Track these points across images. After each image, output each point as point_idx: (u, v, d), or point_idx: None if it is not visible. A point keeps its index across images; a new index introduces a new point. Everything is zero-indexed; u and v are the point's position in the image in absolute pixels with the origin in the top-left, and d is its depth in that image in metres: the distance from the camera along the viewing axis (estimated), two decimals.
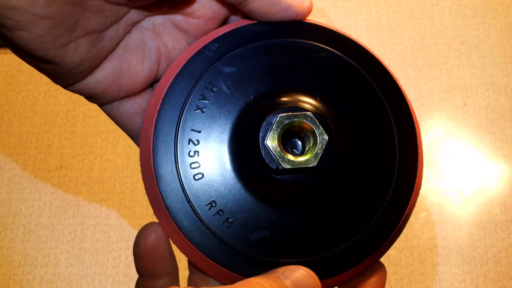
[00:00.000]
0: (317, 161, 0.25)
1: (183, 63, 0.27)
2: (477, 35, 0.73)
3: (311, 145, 0.25)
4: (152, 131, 0.26)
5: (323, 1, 0.75)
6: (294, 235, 0.26)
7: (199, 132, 0.27)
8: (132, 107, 0.29)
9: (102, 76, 0.27)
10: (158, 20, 0.29)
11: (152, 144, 0.26)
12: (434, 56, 0.72)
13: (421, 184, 0.28)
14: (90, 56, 0.26)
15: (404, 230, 0.64)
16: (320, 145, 0.25)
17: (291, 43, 0.27)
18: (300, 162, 0.25)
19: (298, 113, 0.25)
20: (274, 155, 0.25)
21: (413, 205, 0.28)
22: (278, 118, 0.25)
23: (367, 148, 0.27)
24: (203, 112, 0.27)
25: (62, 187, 0.70)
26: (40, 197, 0.69)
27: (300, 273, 0.24)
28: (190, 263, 0.29)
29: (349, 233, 0.26)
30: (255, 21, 0.28)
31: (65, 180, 0.70)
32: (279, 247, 0.26)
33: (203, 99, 0.27)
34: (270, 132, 0.25)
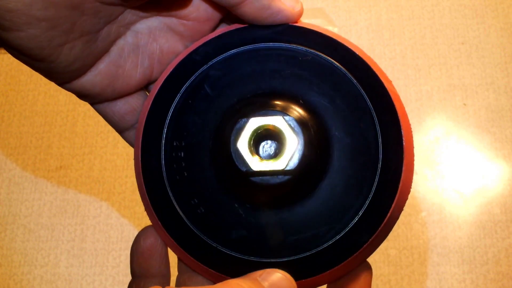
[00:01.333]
0: (286, 164, 0.25)
1: (172, 68, 0.28)
2: (477, 35, 0.73)
3: (284, 149, 0.26)
4: (142, 131, 0.27)
5: (323, 1, 0.75)
6: (272, 235, 0.27)
7: (185, 133, 0.27)
8: (124, 107, 0.30)
9: (97, 79, 0.28)
10: (153, 23, 0.29)
11: (141, 143, 0.27)
12: (434, 56, 0.72)
13: (410, 185, 0.27)
14: (84, 56, 0.26)
15: (404, 230, 0.64)
16: (290, 149, 0.25)
17: (278, 47, 0.28)
18: (269, 165, 0.25)
19: (269, 116, 0.26)
20: (244, 158, 0.25)
21: (399, 207, 0.27)
22: (249, 122, 0.25)
23: (351, 150, 0.27)
24: (190, 114, 0.28)
25: (62, 187, 0.70)
26: (40, 197, 0.69)
27: (277, 276, 0.25)
28: (179, 259, 0.29)
29: (328, 234, 0.27)
30: (245, 25, 0.28)
31: (65, 180, 0.70)
32: (257, 247, 0.27)
33: (191, 101, 0.27)
34: (240, 135, 0.25)
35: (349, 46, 0.28)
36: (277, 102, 0.27)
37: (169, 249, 0.29)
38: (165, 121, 0.28)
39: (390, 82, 0.28)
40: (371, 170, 0.27)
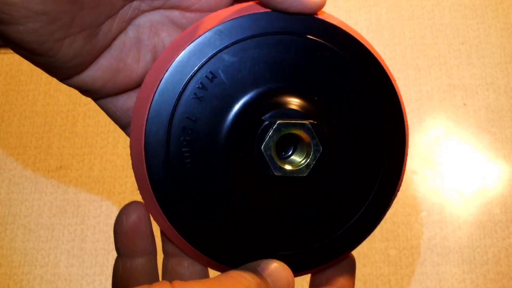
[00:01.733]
0: (308, 171, 0.25)
1: (187, 45, 0.26)
2: (477, 35, 0.73)
3: (304, 155, 0.25)
4: (147, 112, 0.26)
5: None
6: (271, 227, 0.27)
7: (194, 120, 0.26)
8: (126, 102, 0.30)
9: (98, 74, 0.27)
10: (155, 17, 0.28)
11: (145, 124, 0.26)
12: (434, 56, 0.72)
13: (399, 188, 0.28)
14: (84, 51, 0.26)
15: (404, 230, 0.64)
16: (313, 156, 0.25)
17: (297, 39, 0.26)
18: (292, 171, 0.25)
19: (297, 121, 0.25)
20: (268, 162, 0.25)
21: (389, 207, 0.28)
22: (276, 126, 0.24)
23: (356, 152, 0.27)
24: (200, 101, 0.26)
25: (62, 187, 0.70)
26: (40, 197, 0.69)
27: (275, 266, 0.25)
28: (165, 239, 0.29)
29: (325, 231, 0.27)
30: (265, 10, 0.26)
31: (65, 180, 0.70)
32: (253, 237, 0.27)
33: (202, 87, 0.26)
34: (266, 138, 0.24)
35: (367, 46, 0.27)
36: (298, 101, 0.26)
37: (154, 225, 0.29)
38: (175, 103, 0.26)
39: (397, 87, 0.28)
40: (373, 174, 0.27)
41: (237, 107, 0.26)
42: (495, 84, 0.70)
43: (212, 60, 0.26)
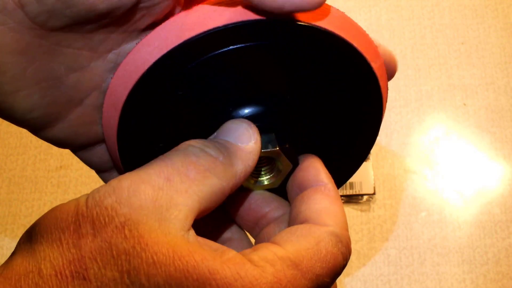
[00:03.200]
0: (279, 183, 0.27)
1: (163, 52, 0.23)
2: (477, 35, 0.73)
3: (274, 172, 0.27)
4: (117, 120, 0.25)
5: None
6: None
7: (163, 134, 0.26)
8: (102, 152, 0.28)
9: (70, 130, 0.25)
10: None
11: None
12: (434, 56, 0.73)
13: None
14: (45, 105, 0.23)
15: (404, 230, 0.64)
16: (283, 173, 0.27)
17: (275, 46, 0.24)
18: (263, 186, 0.27)
19: (270, 149, 0.25)
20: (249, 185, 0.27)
21: None
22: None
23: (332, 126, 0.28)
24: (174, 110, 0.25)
25: (62, 187, 0.70)
26: (40, 197, 0.69)
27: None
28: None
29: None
30: (261, 18, 0.23)
31: (65, 180, 0.70)
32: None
33: (179, 95, 0.25)
34: None
35: (369, 60, 0.26)
36: (272, 109, 0.26)
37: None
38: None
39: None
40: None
41: (215, 118, 0.26)
42: (495, 84, 0.70)
43: (184, 73, 0.24)
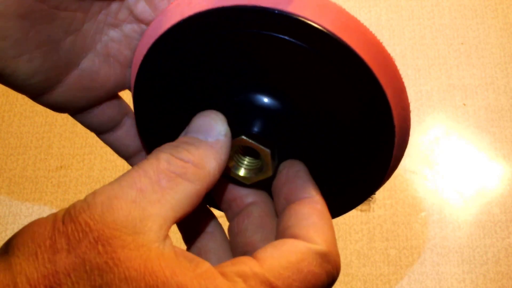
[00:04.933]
0: (270, 172, 0.26)
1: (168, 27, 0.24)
2: (476, 35, 0.73)
3: (262, 164, 0.27)
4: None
5: None
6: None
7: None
8: (100, 113, 0.29)
9: (68, 92, 0.26)
10: (123, 31, 0.27)
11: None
12: (434, 56, 0.73)
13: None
14: (45, 69, 0.24)
15: (404, 230, 0.64)
16: (271, 166, 0.26)
17: (266, 36, 0.23)
18: (257, 180, 0.27)
19: (259, 147, 0.25)
20: (229, 173, 0.26)
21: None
22: (239, 139, 0.25)
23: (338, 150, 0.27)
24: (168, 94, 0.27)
25: (62, 187, 0.70)
26: (41, 197, 0.69)
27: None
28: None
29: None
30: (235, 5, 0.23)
31: (65, 180, 0.70)
32: None
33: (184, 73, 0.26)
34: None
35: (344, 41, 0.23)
36: (262, 103, 0.26)
37: None
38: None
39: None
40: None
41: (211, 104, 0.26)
42: (494, 84, 0.70)
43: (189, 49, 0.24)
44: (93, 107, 0.28)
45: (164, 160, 0.22)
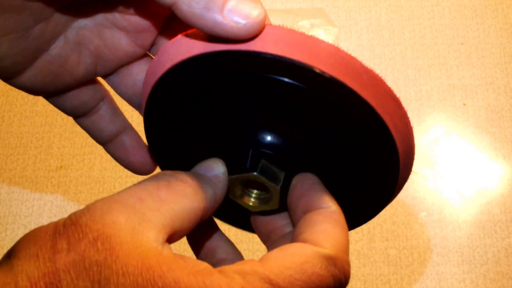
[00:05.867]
0: (277, 206, 0.27)
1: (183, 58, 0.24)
2: (476, 35, 0.73)
3: (270, 197, 0.28)
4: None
5: (323, 1, 0.75)
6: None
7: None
8: (70, 99, 0.30)
9: (38, 78, 0.27)
10: (95, 20, 0.28)
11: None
12: (434, 56, 0.73)
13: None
14: (13, 54, 0.25)
15: (404, 230, 0.64)
16: (278, 201, 0.27)
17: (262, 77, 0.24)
18: (261, 209, 0.28)
19: (270, 184, 0.26)
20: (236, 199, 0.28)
21: None
22: (250, 176, 0.26)
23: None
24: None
25: (62, 187, 0.70)
26: (41, 197, 0.69)
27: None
28: None
29: None
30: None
31: (65, 180, 0.70)
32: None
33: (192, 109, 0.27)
34: (239, 180, 0.26)
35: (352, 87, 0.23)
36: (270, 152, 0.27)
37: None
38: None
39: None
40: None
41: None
42: (494, 84, 0.70)
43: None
44: (66, 92, 0.29)
45: (164, 179, 0.24)
